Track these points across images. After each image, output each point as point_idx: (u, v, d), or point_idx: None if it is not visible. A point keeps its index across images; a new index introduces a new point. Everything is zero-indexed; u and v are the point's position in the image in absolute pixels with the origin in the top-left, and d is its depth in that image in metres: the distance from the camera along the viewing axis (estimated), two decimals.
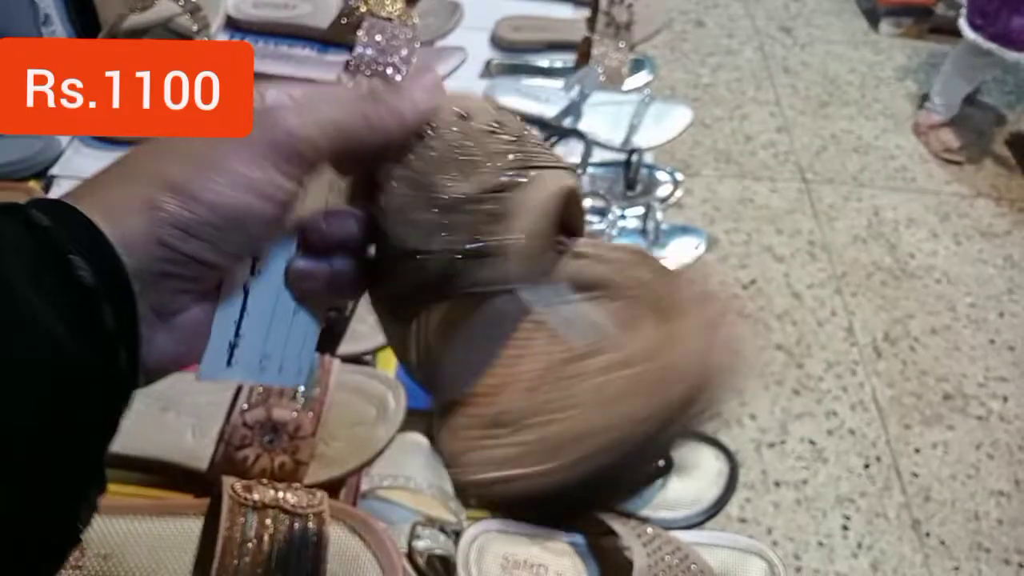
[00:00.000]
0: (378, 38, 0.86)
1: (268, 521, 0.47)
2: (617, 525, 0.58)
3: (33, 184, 0.77)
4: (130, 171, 0.26)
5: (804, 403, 1.49)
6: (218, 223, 0.26)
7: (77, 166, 0.79)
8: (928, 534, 1.33)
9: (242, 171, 0.26)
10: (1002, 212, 1.91)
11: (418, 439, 0.64)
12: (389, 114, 0.28)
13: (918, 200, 1.93)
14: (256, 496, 0.48)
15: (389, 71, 0.84)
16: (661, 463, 0.63)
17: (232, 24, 0.95)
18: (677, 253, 0.86)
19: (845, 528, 1.33)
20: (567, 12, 1.07)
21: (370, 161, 0.29)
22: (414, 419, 0.67)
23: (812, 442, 1.43)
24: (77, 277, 0.23)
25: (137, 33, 0.86)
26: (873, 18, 2.46)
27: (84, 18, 0.88)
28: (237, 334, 0.30)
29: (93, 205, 0.24)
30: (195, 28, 0.87)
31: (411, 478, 0.59)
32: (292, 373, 0.32)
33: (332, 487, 0.55)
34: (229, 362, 0.30)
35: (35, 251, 0.22)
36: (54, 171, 0.78)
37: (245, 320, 0.30)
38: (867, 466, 1.41)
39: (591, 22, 1.00)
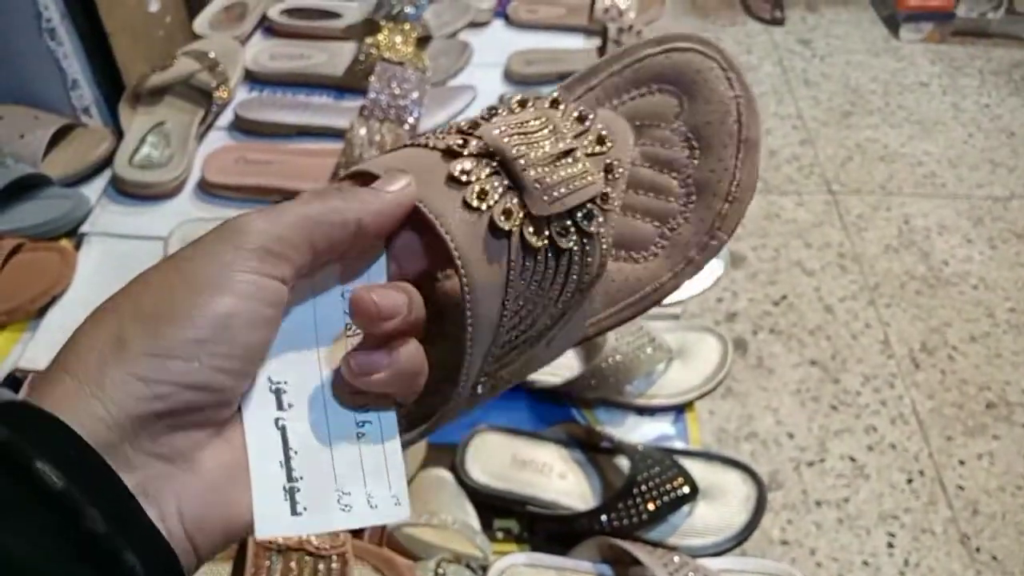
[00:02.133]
0: (390, 82, 0.88)
1: (292, 564, 0.48)
2: (643, 555, 0.57)
3: (65, 243, 0.80)
4: (92, 320, 0.24)
5: (842, 419, 1.46)
6: (197, 335, 0.23)
7: (106, 223, 0.82)
8: (978, 549, 1.29)
9: (213, 278, 0.24)
10: None
11: (442, 474, 0.65)
12: (356, 200, 0.27)
13: (949, 205, 1.90)
14: (280, 539, 0.49)
15: (402, 114, 0.86)
16: (687, 490, 0.63)
17: (250, 77, 0.99)
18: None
19: (890, 546, 1.29)
20: (578, 43, 1.09)
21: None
22: (437, 454, 0.67)
23: (852, 459, 1.40)
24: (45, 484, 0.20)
25: (160, 91, 0.90)
26: (893, 25, 2.44)
27: (109, 80, 0.91)
28: (291, 478, 0.25)
29: (52, 387, 0.23)
30: (215, 83, 0.91)
31: (435, 514, 0.60)
32: (389, 504, 0.26)
33: None
34: (295, 510, 0.24)
35: None
36: (84, 228, 0.81)
37: (295, 459, 0.25)
38: (910, 481, 1.38)
39: (601, 51, 1.02)
